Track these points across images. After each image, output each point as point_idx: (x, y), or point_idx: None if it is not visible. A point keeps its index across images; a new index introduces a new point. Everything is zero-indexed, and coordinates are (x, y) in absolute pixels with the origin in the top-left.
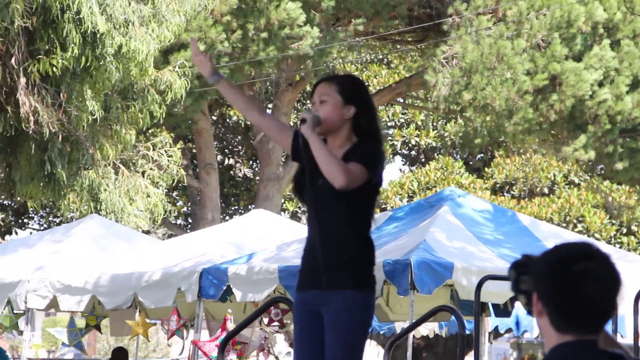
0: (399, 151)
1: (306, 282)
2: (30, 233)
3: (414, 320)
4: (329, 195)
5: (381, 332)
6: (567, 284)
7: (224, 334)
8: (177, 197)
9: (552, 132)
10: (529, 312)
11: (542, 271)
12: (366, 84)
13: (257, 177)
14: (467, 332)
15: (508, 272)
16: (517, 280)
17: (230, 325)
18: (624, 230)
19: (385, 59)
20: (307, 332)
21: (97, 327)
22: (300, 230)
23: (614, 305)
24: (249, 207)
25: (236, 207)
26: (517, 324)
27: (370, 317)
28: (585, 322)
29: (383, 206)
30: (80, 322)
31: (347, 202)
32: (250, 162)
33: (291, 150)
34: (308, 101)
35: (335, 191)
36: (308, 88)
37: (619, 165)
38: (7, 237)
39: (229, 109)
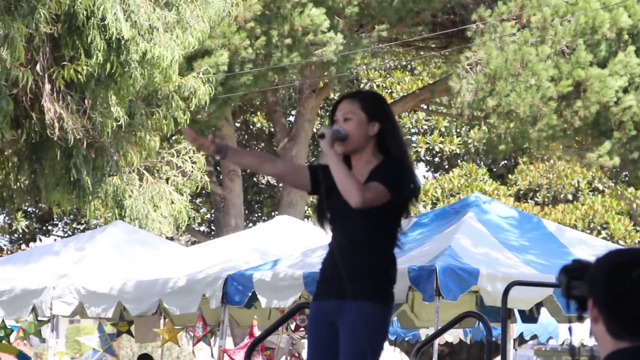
0: (423, 158)
1: (323, 291)
2: (55, 240)
3: (439, 327)
4: (353, 210)
5: (406, 339)
6: (625, 290)
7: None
8: (201, 204)
9: (577, 138)
10: (580, 318)
11: (599, 277)
12: (389, 90)
13: (281, 184)
14: (493, 338)
15: (558, 277)
16: (568, 286)
17: (257, 332)
18: None
19: (409, 66)
20: (322, 343)
21: (130, 332)
22: (324, 237)
23: None
24: (272, 213)
25: (259, 214)
26: (570, 329)
27: (386, 331)
28: None
29: None
30: (108, 328)
31: (372, 216)
32: None
33: (311, 185)
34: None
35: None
36: (332, 95)
37: None
38: (31, 244)
39: (253, 115)
